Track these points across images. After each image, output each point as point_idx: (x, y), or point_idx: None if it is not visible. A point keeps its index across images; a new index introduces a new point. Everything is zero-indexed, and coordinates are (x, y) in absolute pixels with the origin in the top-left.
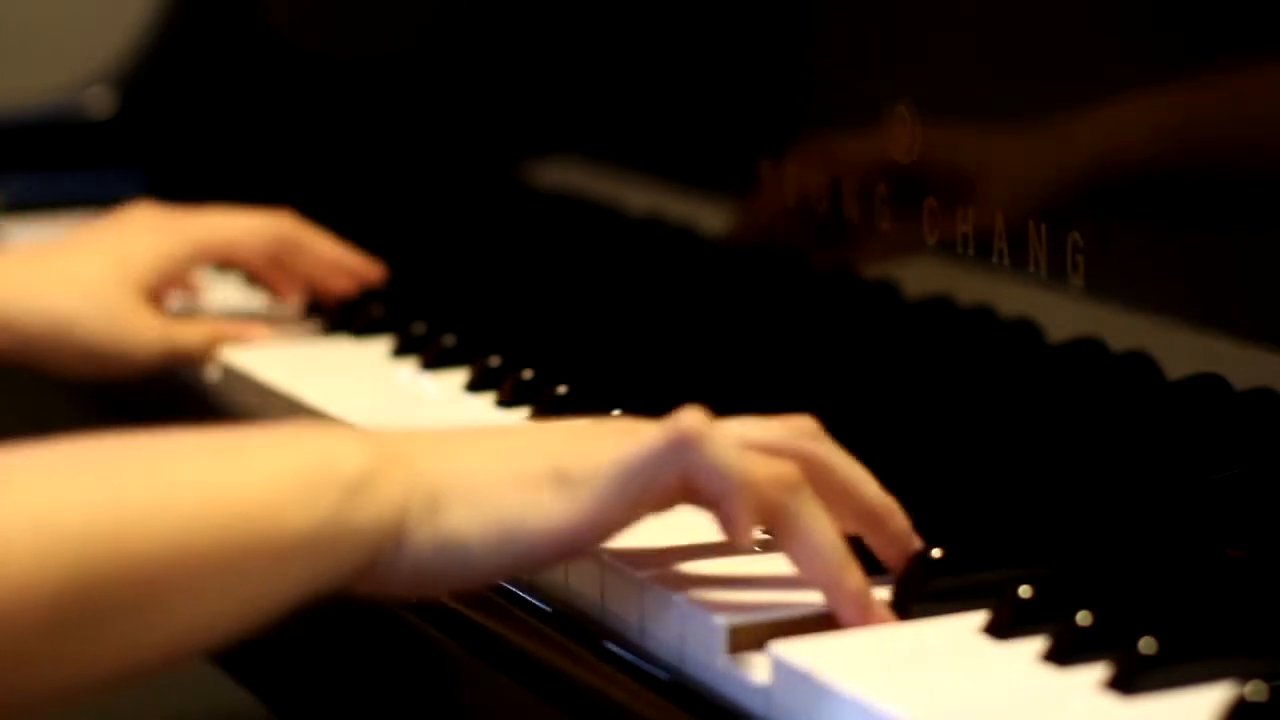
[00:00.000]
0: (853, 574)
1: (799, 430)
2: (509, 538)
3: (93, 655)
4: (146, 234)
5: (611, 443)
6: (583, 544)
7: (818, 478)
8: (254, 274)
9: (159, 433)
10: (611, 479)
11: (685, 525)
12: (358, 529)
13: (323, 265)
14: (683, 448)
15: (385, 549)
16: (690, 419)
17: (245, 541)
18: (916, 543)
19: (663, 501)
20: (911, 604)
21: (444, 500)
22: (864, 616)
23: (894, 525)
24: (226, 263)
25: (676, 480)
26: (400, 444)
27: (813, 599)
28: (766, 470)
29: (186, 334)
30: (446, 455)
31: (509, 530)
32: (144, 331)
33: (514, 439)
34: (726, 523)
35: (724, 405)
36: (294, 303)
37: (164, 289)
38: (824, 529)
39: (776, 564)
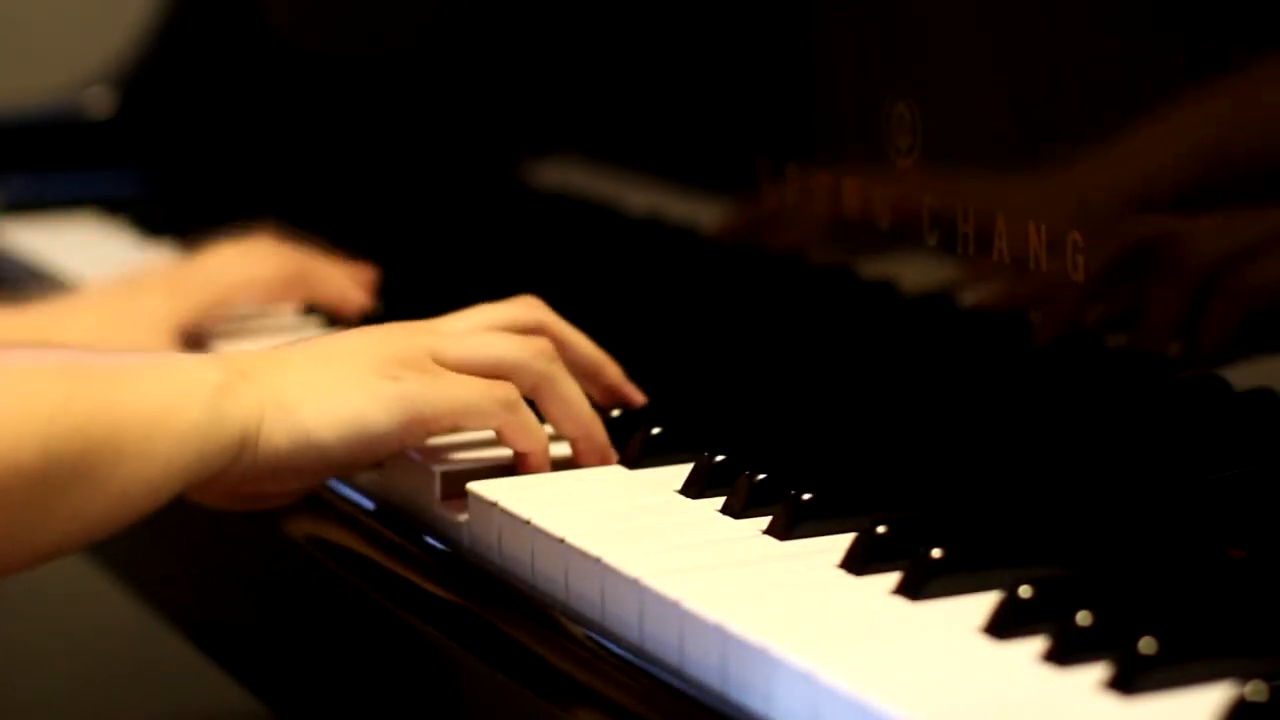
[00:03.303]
0: (599, 425)
1: (530, 305)
2: (355, 429)
3: (60, 516)
4: (158, 294)
5: (451, 381)
6: (415, 434)
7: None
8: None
9: (58, 346)
10: (440, 396)
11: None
12: (225, 422)
13: (334, 296)
14: (507, 409)
15: (247, 444)
16: (513, 394)
17: (147, 424)
18: (633, 391)
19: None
20: (917, 592)
21: (294, 403)
22: (608, 459)
23: (610, 375)
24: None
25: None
26: (247, 360)
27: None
28: (529, 348)
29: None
30: (291, 367)
31: (354, 423)
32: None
33: (350, 348)
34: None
35: (723, 405)
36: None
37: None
38: (576, 388)
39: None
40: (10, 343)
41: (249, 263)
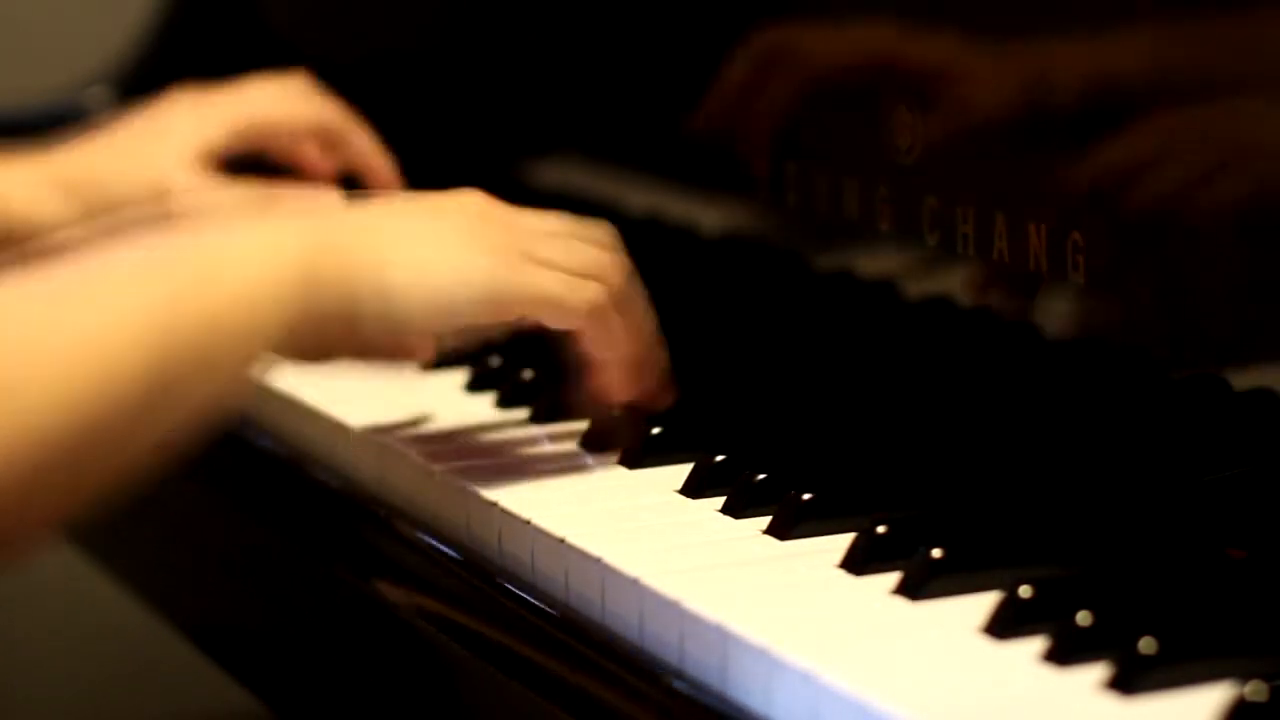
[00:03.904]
0: (662, 354)
1: (609, 231)
2: (447, 310)
3: (176, 411)
4: (186, 117)
5: (535, 268)
6: (501, 318)
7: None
8: (287, 157)
9: (176, 230)
10: (536, 282)
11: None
12: (312, 304)
13: (362, 159)
14: (597, 316)
15: (337, 319)
16: (605, 305)
17: (251, 309)
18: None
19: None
20: (917, 591)
21: (387, 280)
22: (661, 397)
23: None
24: (265, 148)
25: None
26: (340, 229)
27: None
28: (615, 262)
29: (226, 195)
30: (385, 239)
31: (447, 306)
32: (183, 189)
33: (446, 220)
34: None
35: (723, 405)
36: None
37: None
38: (649, 311)
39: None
40: (60, 185)
41: (284, 100)
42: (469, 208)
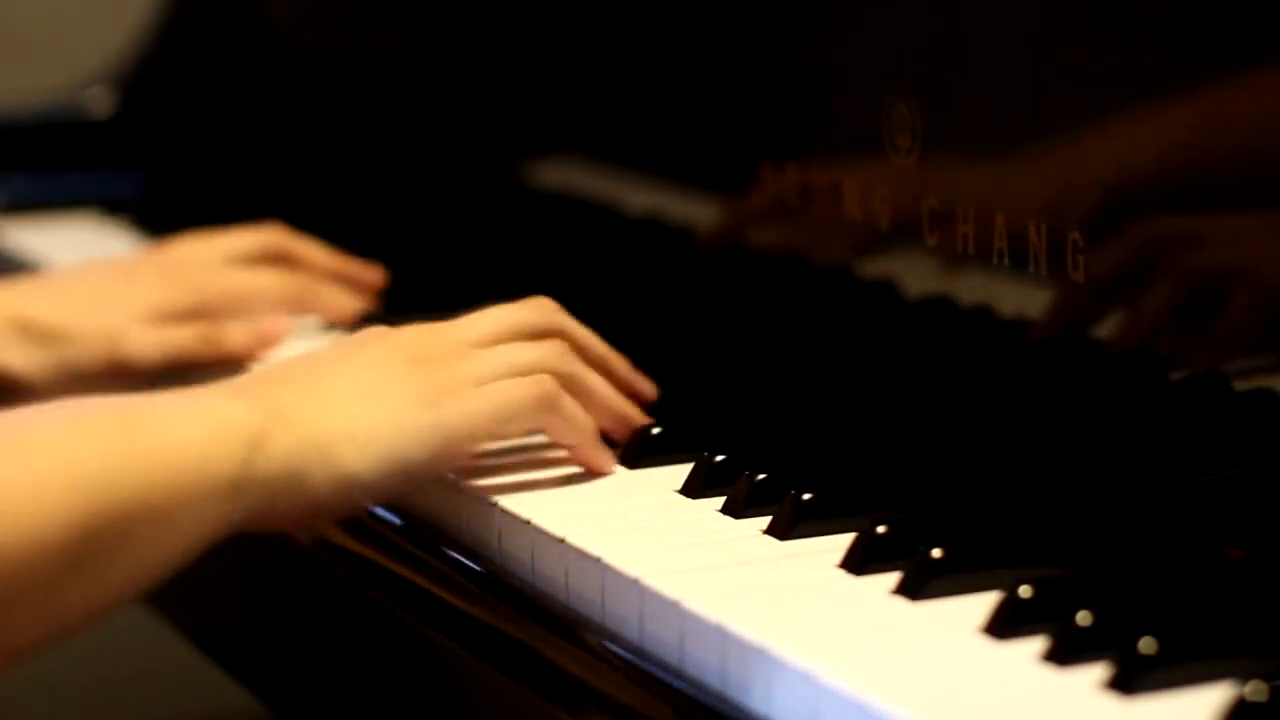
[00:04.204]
0: (630, 407)
1: (542, 307)
2: (396, 467)
3: (99, 581)
4: (151, 284)
5: (475, 376)
6: (456, 459)
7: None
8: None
9: (96, 402)
10: (479, 415)
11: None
12: (261, 477)
13: (332, 311)
14: (548, 409)
15: (287, 491)
16: (550, 385)
17: (187, 486)
18: (642, 382)
19: (517, 434)
20: (916, 589)
21: (333, 447)
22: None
23: (619, 369)
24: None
25: (529, 426)
26: (281, 397)
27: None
28: (552, 351)
29: (179, 336)
30: (325, 404)
31: (394, 461)
32: (134, 332)
33: (382, 373)
34: (606, 453)
35: (723, 405)
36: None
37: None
38: (599, 380)
39: None
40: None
41: (250, 274)
42: (394, 352)
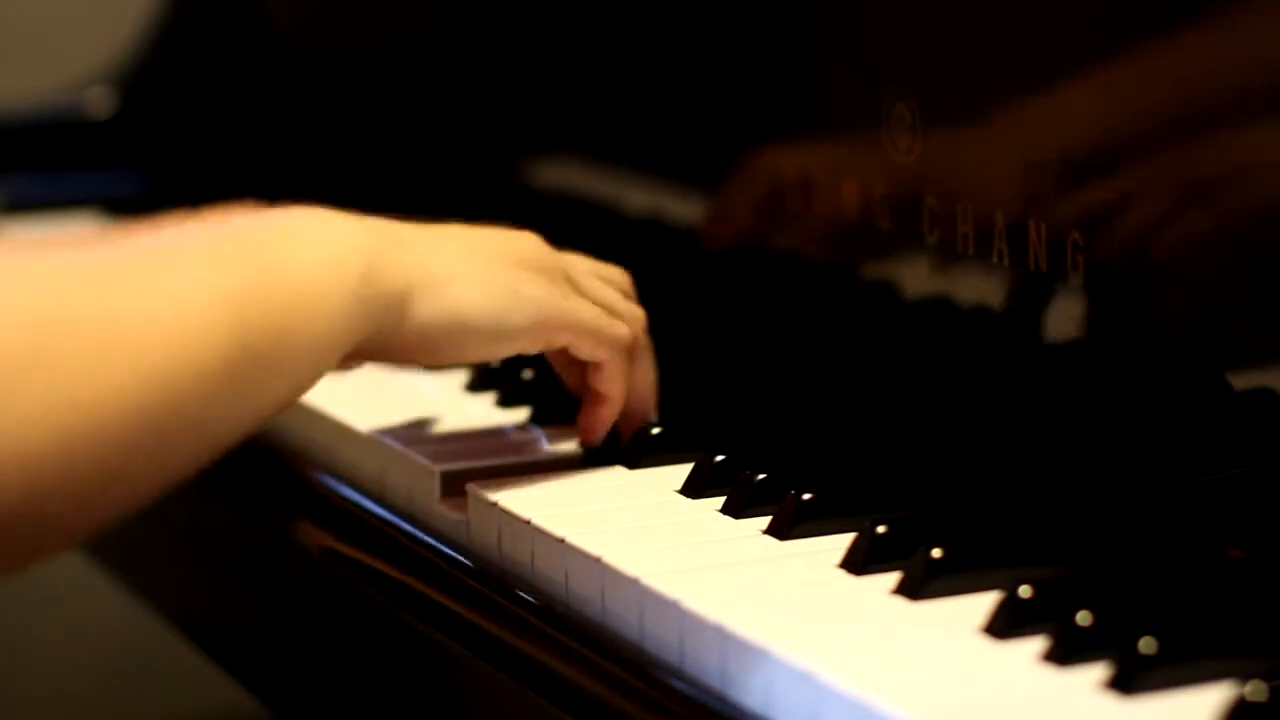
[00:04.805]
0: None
1: (629, 281)
2: (496, 321)
3: (247, 399)
4: None
5: (582, 303)
6: (544, 340)
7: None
8: None
9: (231, 220)
10: (580, 315)
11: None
12: (379, 295)
13: None
14: (618, 346)
15: (398, 313)
16: (644, 338)
17: (316, 301)
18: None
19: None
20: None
21: (446, 280)
22: None
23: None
24: None
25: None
26: (400, 230)
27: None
28: (637, 313)
29: None
30: (445, 245)
31: (497, 314)
32: None
33: (501, 252)
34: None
35: (723, 405)
36: None
37: None
38: (653, 366)
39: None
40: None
41: None
42: (519, 240)
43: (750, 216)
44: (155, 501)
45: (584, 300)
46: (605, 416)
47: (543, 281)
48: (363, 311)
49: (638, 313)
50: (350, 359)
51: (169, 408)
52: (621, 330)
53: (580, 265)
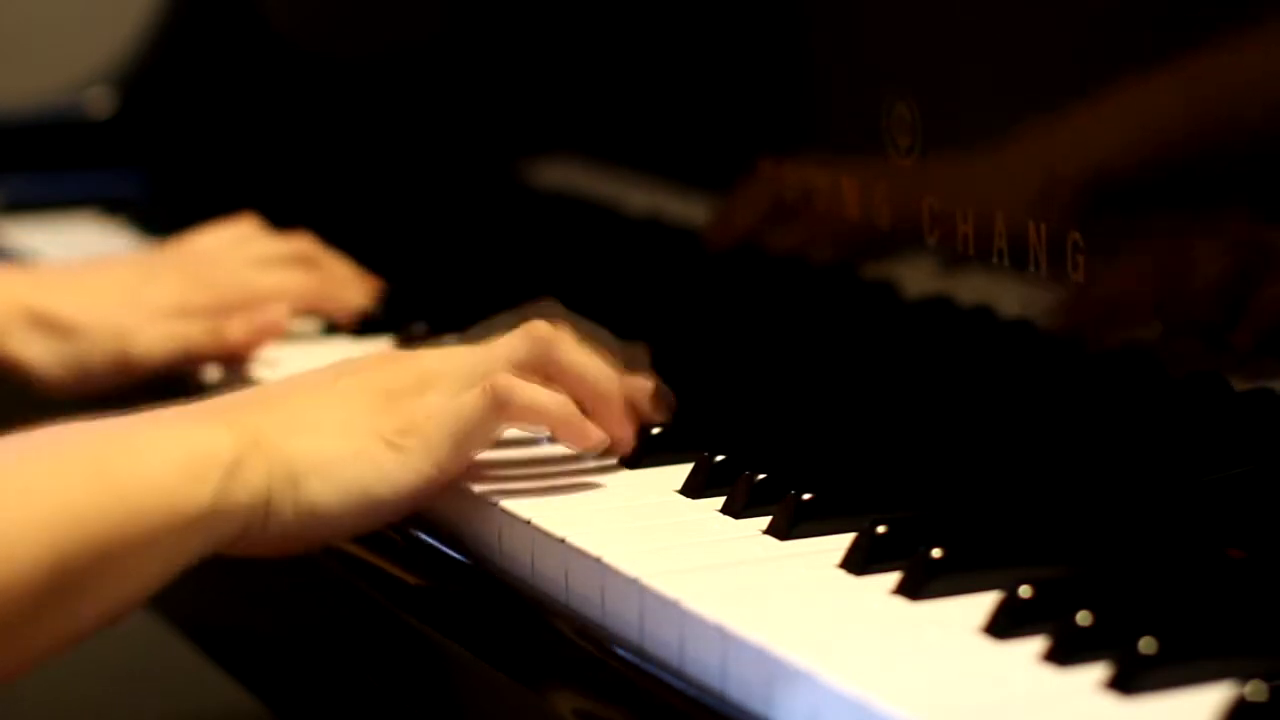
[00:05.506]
0: (613, 384)
1: (537, 337)
2: (362, 502)
3: (70, 616)
4: (171, 280)
5: (438, 408)
6: (426, 497)
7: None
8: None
9: (66, 432)
10: (443, 444)
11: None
12: (234, 506)
13: (335, 284)
14: (501, 406)
15: (255, 521)
16: (499, 380)
17: (160, 518)
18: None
19: (489, 442)
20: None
21: (301, 477)
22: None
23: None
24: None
25: (502, 427)
26: (256, 422)
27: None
28: (506, 347)
29: (186, 331)
30: (297, 432)
31: (360, 496)
32: (146, 330)
33: (353, 409)
34: (588, 426)
35: (723, 405)
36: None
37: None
38: (580, 353)
39: None
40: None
41: (276, 274)
42: (368, 385)
43: (750, 217)
44: None
45: (435, 420)
46: (571, 435)
47: (408, 441)
48: (222, 521)
49: (507, 347)
50: (223, 552)
51: None
52: (480, 398)
53: (444, 363)
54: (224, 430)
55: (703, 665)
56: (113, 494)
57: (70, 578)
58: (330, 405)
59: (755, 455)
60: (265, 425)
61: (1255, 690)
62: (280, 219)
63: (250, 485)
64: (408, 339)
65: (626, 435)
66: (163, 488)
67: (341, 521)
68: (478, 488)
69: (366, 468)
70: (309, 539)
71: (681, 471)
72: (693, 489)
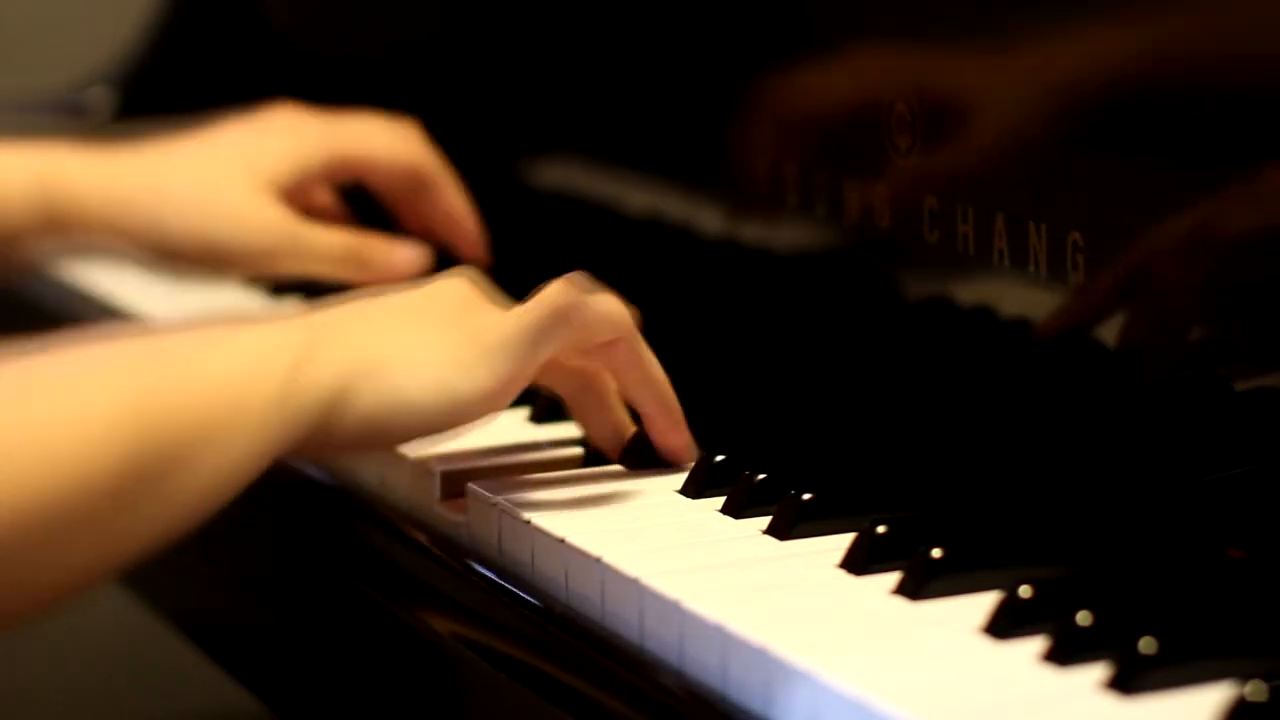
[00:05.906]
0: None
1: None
2: (440, 395)
3: (151, 512)
4: (283, 136)
5: (513, 314)
6: (503, 400)
7: None
8: (380, 198)
9: (161, 332)
10: (521, 347)
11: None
12: (310, 393)
13: (448, 219)
14: (565, 315)
15: (334, 409)
16: (560, 293)
17: (232, 407)
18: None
19: (558, 349)
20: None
21: (381, 365)
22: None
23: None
24: (359, 181)
25: (567, 341)
26: (324, 319)
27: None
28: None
29: (316, 236)
30: (373, 328)
31: (441, 387)
32: (268, 226)
33: (428, 313)
34: (630, 360)
35: (723, 405)
36: (400, 248)
37: (295, 195)
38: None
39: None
40: (118, 201)
41: (388, 138)
42: (452, 288)
43: (749, 217)
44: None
45: (511, 320)
46: (665, 426)
47: (478, 332)
48: (292, 416)
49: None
50: (295, 454)
51: (61, 520)
52: (550, 302)
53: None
54: (289, 326)
55: (703, 665)
56: (182, 385)
57: (147, 473)
58: (404, 308)
59: (755, 455)
60: (337, 321)
61: (1255, 690)
62: None
63: (324, 373)
64: None
65: (687, 440)
66: (233, 374)
67: (422, 415)
68: (477, 488)
69: (447, 362)
70: (393, 431)
71: (681, 471)
72: (693, 489)
